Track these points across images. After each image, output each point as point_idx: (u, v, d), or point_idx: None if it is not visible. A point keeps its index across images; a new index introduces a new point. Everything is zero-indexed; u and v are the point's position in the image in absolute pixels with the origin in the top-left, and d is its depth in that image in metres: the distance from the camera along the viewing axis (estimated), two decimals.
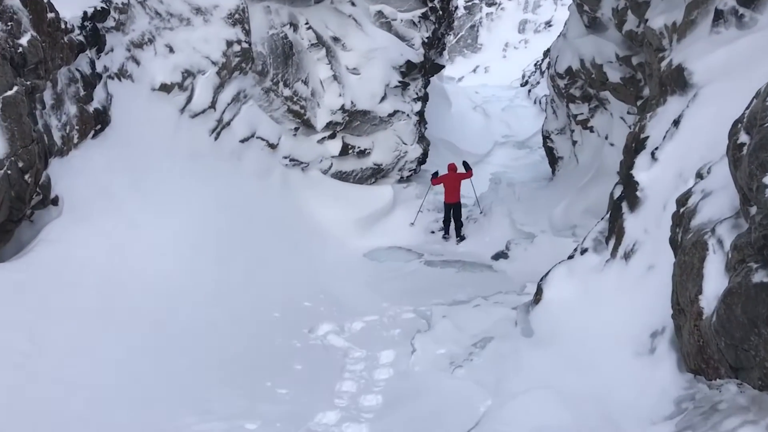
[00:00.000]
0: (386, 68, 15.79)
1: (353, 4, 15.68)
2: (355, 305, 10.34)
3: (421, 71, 17.05)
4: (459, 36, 46.05)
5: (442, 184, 14.93)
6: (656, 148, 6.15)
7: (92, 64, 9.14)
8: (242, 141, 12.98)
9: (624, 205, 6.29)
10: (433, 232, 15.47)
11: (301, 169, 14.64)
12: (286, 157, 14.11)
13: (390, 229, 15.06)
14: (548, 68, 17.04)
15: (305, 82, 14.43)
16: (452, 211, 14.79)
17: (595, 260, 6.53)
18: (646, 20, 9.28)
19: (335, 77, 14.90)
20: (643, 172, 6.10)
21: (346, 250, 13.61)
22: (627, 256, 5.83)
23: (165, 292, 8.36)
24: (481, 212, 15.56)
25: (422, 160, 17.35)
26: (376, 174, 16.38)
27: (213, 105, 12.16)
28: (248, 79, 13.14)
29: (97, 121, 9.15)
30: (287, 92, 14.00)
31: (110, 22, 9.79)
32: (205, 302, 8.59)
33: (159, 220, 9.48)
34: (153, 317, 7.80)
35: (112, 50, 9.86)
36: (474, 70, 42.49)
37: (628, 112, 12.43)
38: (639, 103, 11.70)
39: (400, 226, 15.30)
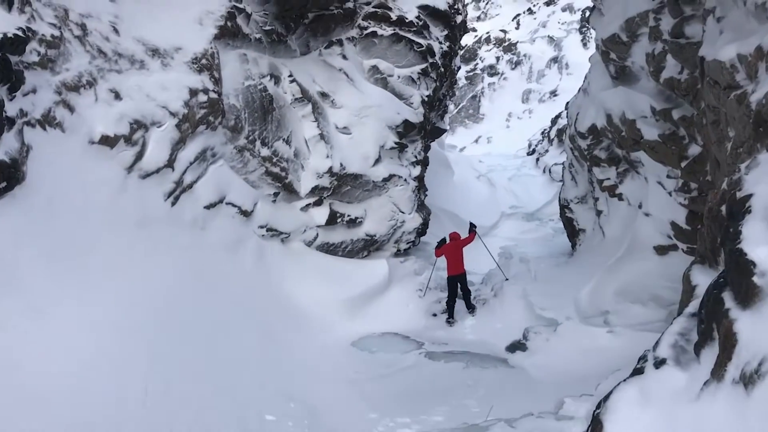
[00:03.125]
0: (381, 128, 13.93)
1: (345, 57, 13.97)
2: (334, 418, 8.00)
3: (421, 132, 15.18)
4: (460, 106, 44.89)
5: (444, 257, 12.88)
6: None
7: (0, 104, 7.14)
8: (208, 207, 10.89)
9: (728, 298, 4.09)
10: (435, 315, 13.22)
11: (280, 240, 12.51)
12: (262, 227, 12.01)
13: (384, 312, 12.83)
14: (566, 129, 15.13)
15: (287, 141, 12.50)
16: (458, 285, 12.69)
17: (681, 379, 4.29)
18: (702, 59, 7.33)
19: (322, 136, 12.99)
20: (761, 246, 3.96)
21: (331, 338, 11.32)
22: (748, 380, 3.60)
23: (66, 408, 6.06)
24: (492, 292, 13.33)
25: (422, 230, 15.23)
26: (369, 246, 14.22)
27: (170, 164, 10.14)
28: (217, 136, 11.18)
29: (2, 177, 7.08)
30: (265, 152, 12.04)
31: (32, 56, 7.87)
32: (123, 423, 6.26)
33: (79, 306, 7.27)
34: None
35: (34, 91, 7.89)
36: (476, 141, 41.04)
37: (668, 176, 10.39)
38: (684, 164, 9.68)
39: (396, 308, 13.08)
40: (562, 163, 25.01)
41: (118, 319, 7.58)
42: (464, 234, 13.62)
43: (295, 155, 12.72)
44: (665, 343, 4.66)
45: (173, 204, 10.25)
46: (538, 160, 27.93)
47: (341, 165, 13.07)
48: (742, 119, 5.38)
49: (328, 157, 12.94)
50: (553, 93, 42.98)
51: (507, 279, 13.48)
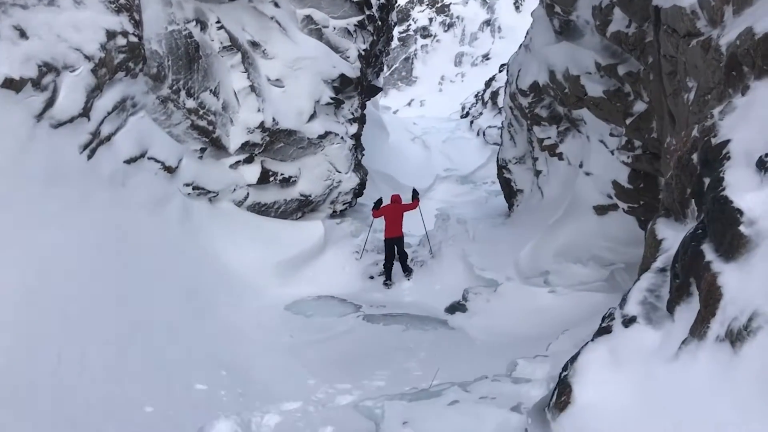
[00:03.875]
0: (316, 81, 13.22)
1: (276, 5, 13.09)
2: (270, 385, 7.48)
3: (358, 88, 14.55)
4: (393, 68, 44.21)
5: (382, 218, 12.46)
6: (767, 155, 3.70)
7: None
8: (128, 162, 10.00)
9: (709, 250, 3.78)
10: (372, 278, 12.83)
11: (208, 199, 11.74)
12: (188, 185, 11.20)
13: (320, 275, 12.35)
14: (505, 87, 14.81)
15: (215, 93, 11.65)
16: (395, 247, 12.33)
17: (654, 338, 3.98)
18: (656, 8, 7.03)
19: (253, 89, 12.19)
20: (748, 193, 3.63)
21: (264, 302, 10.75)
22: (736, 337, 3.30)
23: None
24: (430, 253, 13.01)
25: (359, 191, 14.72)
26: (304, 207, 13.61)
27: (86, 113, 9.19)
28: (138, 84, 10.23)
29: None
30: (191, 103, 11.17)
31: None
32: (31, 393, 5.54)
33: None
34: None
35: None
36: (409, 104, 40.57)
37: (611, 134, 10.21)
38: (629, 121, 9.48)
39: (332, 271, 12.62)
40: (499, 125, 25.01)
41: (28, 282, 6.77)
42: (406, 198, 13.25)
43: (224, 108, 11.89)
44: (633, 300, 4.34)
45: (89, 157, 9.32)
46: (472, 122, 27.71)
47: (274, 120, 12.33)
48: (711, 64, 5.07)
49: (259, 111, 12.17)
50: (486, 57, 42.82)
51: (432, 256, 13.03)
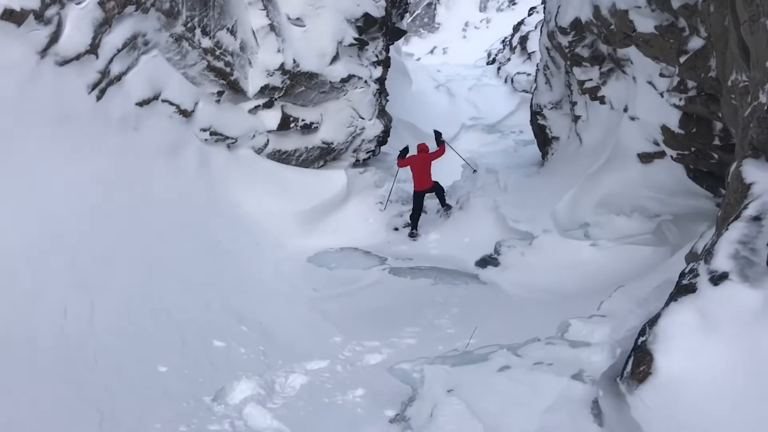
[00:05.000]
0: (339, 21, 12.41)
1: None
2: (294, 342, 6.97)
3: (382, 29, 13.71)
4: (415, 14, 42.76)
5: (408, 169, 11.87)
6: None
7: None
8: (140, 104, 9.38)
9: None
10: (396, 229, 12.26)
11: (226, 146, 11.13)
12: (205, 130, 10.58)
13: (343, 226, 11.81)
14: (543, 24, 13.85)
15: (232, 32, 10.91)
16: (424, 200, 12.05)
17: (753, 298, 3.34)
18: None
19: (272, 28, 11.42)
20: None
21: (285, 254, 10.26)
22: None
23: None
24: (458, 204, 12.34)
25: (383, 139, 14.02)
26: (326, 155, 12.98)
27: (94, 50, 8.53)
28: (150, 20, 9.51)
29: None
30: (207, 43, 10.46)
31: None
32: (34, 350, 5.05)
33: None
34: None
35: None
36: (431, 51, 39.28)
37: (661, 74, 9.35)
38: (683, 59, 8.63)
39: (355, 222, 12.07)
40: (528, 72, 23.95)
41: (32, 230, 6.26)
42: (432, 147, 12.58)
43: (242, 49, 11.16)
44: (723, 253, 3.68)
45: (98, 98, 8.70)
46: (499, 69, 26.58)
47: (294, 62, 11.59)
48: None
49: (279, 51, 11.43)
50: (512, 1, 41.18)
51: (475, 171, 12.61)
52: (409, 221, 12.06)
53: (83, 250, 6.67)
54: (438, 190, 12.23)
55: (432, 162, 12.12)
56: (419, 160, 12.04)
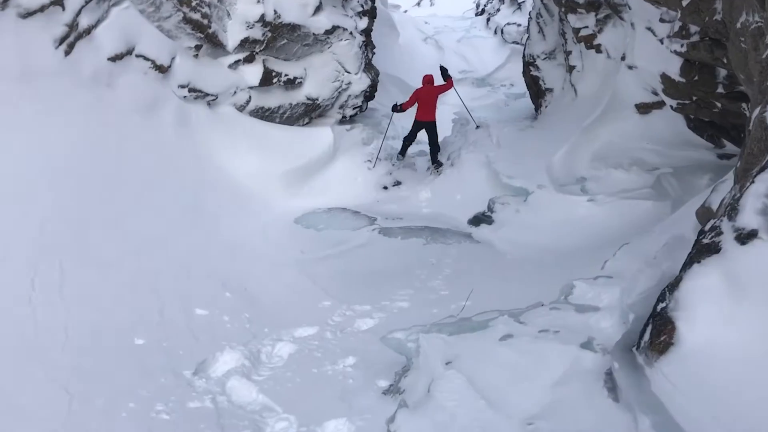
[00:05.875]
0: None
1: None
2: (281, 308, 6.66)
3: None
4: None
5: (415, 105, 11.69)
6: None
7: None
8: (113, 59, 8.85)
9: None
10: (386, 188, 11.83)
11: (206, 103, 10.61)
12: (183, 86, 10.04)
13: (330, 185, 11.37)
14: None
15: None
16: (426, 132, 11.81)
17: None
18: None
19: None
20: None
21: (271, 215, 9.84)
22: None
23: None
24: (449, 161, 11.94)
25: (370, 94, 13.49)
26: (311, 112, 12.47)
27: (59, 1, 7.98)
28: None
29: None
30: None
31: None
32: (2, 328, 4.68)
33: None
34: None
35: None
36: (418, 3, 38.11)
37: (662, 20, 8.89)
38: (686, 2, 8.16)
39: (343, 181, 11.62)
40: (518, 23, 23.24)
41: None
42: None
43: (219, 0, 10.56)
44: (750, 208, 3.33)
45: (67, 53, 8.18)
46: (488, 20, 25.79)
47: (275, 12, 10.99)
48: None
49: (259, 2, 10.83)
50: None
51: (478, 127, 12.27)
52: (402, 145, 12.03)
53: (53, 214, 6.26)
54: (433, 144, 11.94)
55: (438, 96, 11.81)
56: (426, 93, 11.68)
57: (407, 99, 11.96)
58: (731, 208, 3.46)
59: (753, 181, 3.48)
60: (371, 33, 13.79)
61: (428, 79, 11.88)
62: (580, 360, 3.65)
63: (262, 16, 10.86)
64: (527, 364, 3.75)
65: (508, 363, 3.84)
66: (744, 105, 8.05)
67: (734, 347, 2.87)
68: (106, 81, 8.76)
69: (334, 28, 11.96)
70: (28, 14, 7.67)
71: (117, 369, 4.74)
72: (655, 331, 3.11)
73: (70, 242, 6.07)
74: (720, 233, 3.39)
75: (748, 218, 3.30)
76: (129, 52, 9.14)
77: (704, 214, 4.86)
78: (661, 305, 3.20)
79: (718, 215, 3.77)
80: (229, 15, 10.78)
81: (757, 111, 4.08)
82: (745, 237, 3.23)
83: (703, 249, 3.39)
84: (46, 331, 4.84)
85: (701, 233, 3.65)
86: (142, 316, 5.65)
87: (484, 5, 28.17)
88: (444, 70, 12.49)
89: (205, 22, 10.27)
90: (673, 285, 3.23)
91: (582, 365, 3.60)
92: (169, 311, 5.92)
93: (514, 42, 22.72)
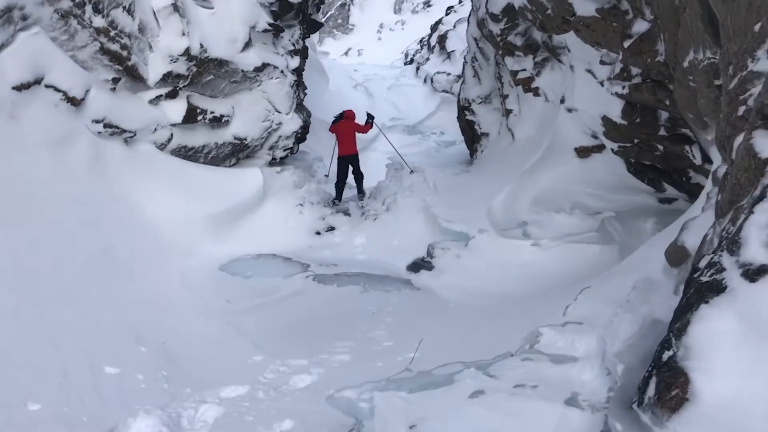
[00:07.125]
0: (251, 4, 11.30)
1: None
2: (205, 364, 5.86)
3: (299, 17, 12.70)
4: (328, 15, 41.76)
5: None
6: None
7: None
8: (18, 88, 7.98)
9: None
10: (319, 233, 11.24)
11: (123, 140, 9.77)
12: (98, 121, 9.20)
13: (259, 230, 10.67)
14: (472, 13, 13.17)
15: (129, 11, 9.60)
16: (349, 167, 12.19)
17: None
18: None
19: (176, 8, 10.18)
20: None
21: (193, 262, 9.03)
22: None
23: None
24: (384, 206, 11.49)
25: (301, 136, 12.97)
26: (238, 152, 11.79)
27: None
28: None
29: None
30: (99, 22, 9.12)
31: None
32: None
33: None
34: None
35: None
36: (346, 53, 38.39)
37: (602, 62, 8.82)
38: (627, 43, 8.09)
39: (273, 226, 10.95)
40: (448, 72, 23.33)
41: None
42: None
43: (141, 31, 9.86)
44: (754, 241, 2.93)
45: None
46: (418, 68, 25.92)
47: (201, 47, 10.37)
48: None
49: (184, 35, 10.19)
50: (427, 3, 40.84)
51: (412, 171, 12.29)
52: (335, 190, 12.16)
53: None
54: (357, 173, 12.33)
55: (356, 132, 12.26)
56: (344, 127, 12.17)
57: (339, 121, 12.39)
58: (731, 242, 3.06)
59: (753, 212, 3.10)
60: (302, 73, 13.36)
61: (349, 114, 12.44)
62: (567, 419, 3.11)
63: (187, 50, 10.22)
64: (506, 427, 3.17)
65: (482, 426, 3.22)
66: (687, 147, 7.96)
67: (760, 401, 2.40)
68: (10, 112, 7.86)
69: (264, 65, 11.44)
70: None
71: None
72: (664, 384, 2.61)
73: None
74: (721, 269, 2.97)
75: (754, 252, 2.90)
76: (37, 82, 8.29)
77: (676, 253, 4.50)
78: (667, 353, 2.71)
79: (709, 251, 3.37)
80: (151, 47, 10.09)
81: (739, 140, 3.77)
82: (754, 273, 2.81)
83: (704, 288, 2.96)
84: None
85: (695, 270, 3.23)
86: (40, 376, 4.76)
87: (413, 54, 28.42)
88: (369, 117, 12.92)
89: (125, 53, 9.53)
90: (680, 330, 2.76)
91: (570, 426, 3.06)
92: (73, 370, 5.05)
93: (443, 90, 22.83)
